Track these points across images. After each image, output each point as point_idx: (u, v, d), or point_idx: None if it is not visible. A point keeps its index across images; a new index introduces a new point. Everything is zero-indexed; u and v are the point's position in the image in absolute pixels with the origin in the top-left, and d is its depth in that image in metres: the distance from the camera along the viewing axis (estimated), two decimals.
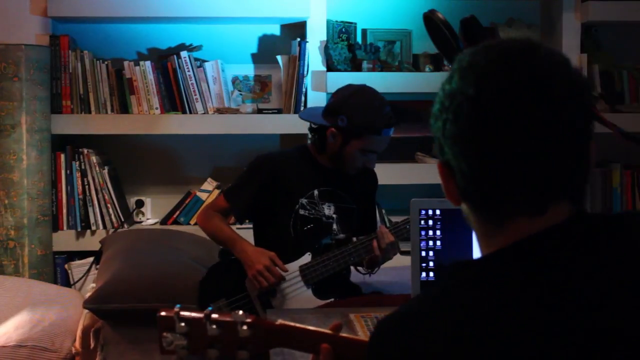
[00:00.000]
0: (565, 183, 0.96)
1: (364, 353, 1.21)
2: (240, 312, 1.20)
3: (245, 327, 1.19)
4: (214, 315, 1.19)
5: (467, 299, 0.93)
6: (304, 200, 2.79)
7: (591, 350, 0.88)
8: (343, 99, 2.74)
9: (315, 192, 2.81)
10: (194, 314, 1.20)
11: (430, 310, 0.95)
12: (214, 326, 1.19)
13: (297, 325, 1.24)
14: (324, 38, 3.76)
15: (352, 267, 2.90)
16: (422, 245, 2.29)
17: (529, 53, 0.96)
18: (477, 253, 2.23)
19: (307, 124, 2.92)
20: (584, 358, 0.88)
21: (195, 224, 3.67)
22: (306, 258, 2.74)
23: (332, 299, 2.71)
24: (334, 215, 2.82)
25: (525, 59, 0.95)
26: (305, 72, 3.73)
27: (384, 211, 3.76)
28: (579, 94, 0.96)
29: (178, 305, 1.21)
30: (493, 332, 0.89)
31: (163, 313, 1.21)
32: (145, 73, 3.71)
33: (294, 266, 2.72)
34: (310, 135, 2.89)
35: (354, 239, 2.72)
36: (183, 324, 1.19)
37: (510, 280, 0.92)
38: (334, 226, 2.82)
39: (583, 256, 0.93)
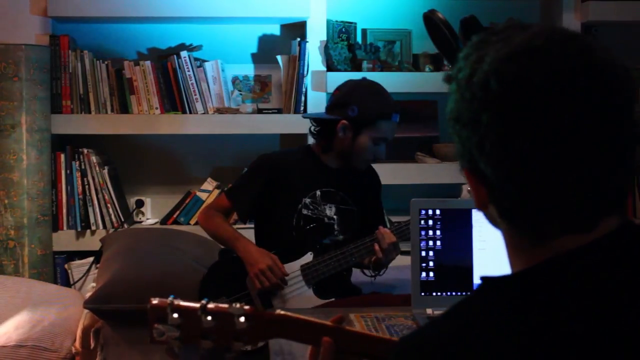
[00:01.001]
0: (616, 195, 0.88)
1: (366, 346, 1.20)
2: (237, 304, 1.17)
3: (242, 320, 1.16)
4: (210, 307, 1.16)
5: (497, 323, 0.85)
6: (307, 200, 2.79)
7: None
8: (349, 90, 2.78)
9: (318, 192, 2.81)
10: (188, 305, 1.17)
11: (456, 334, 0.86)
12: (209, 318, 1.16)
13: (298, 315, 1.21)
14: (324, 38, 3.76)
15: (357, 269, 2.90)
16: (422, 245, 2.29)
17: (583, 47, 0.86)
18: (477, 253, 2.24)
19: (307, 123, 2.91)
20: None
21: (196, 223, 3.68)
22: (307, 258, 2.74)
23: (333, 299, 2.72)
24: (335, 216, 2.83)
25: (581, 69, 0.85)
26: (305, 72, 3.73)
27: (383, 211, 3.75)
28: (631, 100, 0.87)
29: (172, 296, 1.18)
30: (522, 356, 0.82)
31: (155, 303, 1.18)
32: (145, 73, 3.71)
33: (295, 265, 2.73)
34: (314, 136, 2.88)
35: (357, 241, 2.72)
36: (176, 315, 1.16)
37: (545, 302, 0.84)
38: (335, 227, 2.83)
39: (629, 274, 0.85)
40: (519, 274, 0.89)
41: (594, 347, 0.81)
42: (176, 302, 1.17)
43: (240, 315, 1.16)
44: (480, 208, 0.93)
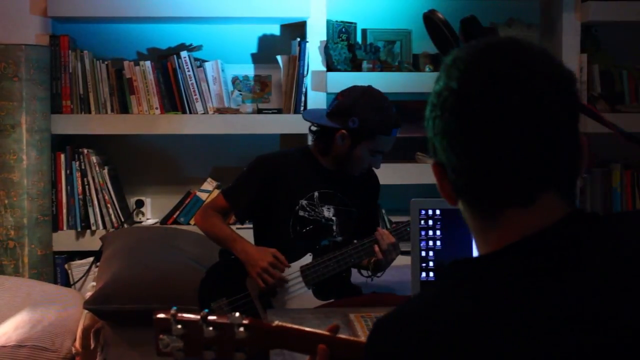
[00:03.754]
0: (549, 173, 0.96)
1: (360, 354, 1.21)
2: (237, 313, 1.20)
3: (242, 329, 1.19)
4: (211, 317, 1.19)
5: (463, 299, 0.94)
6: (303, 202, 2.78)
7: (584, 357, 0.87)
8: (352, 100, 2.73)
9: (316, 193, 2.81)
10: (190, 316, 1.20)
11: (427, 310, 0.96)
12: (211, 328, 1.19)
13: (294, 326, 1.24)
14: (324, 38, 3.76)
15: (354, 269, 2.90)
16: (422, 245, 2.29)
17: (510, 47, 0.99)
18: (477, 253, 2.23)
19: (307, 124, 2.90)
20: None
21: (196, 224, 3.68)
22: (307, 259, 2.73)
23: (332, 300, 2.71)
24: (334, 218, 2.82)
25: (506, 52, 0.98)
26: (305, 72, 3.73)
27: (383, 211, 3.76)
28: (560, 86, 0.97)
29: (174, 307, 1.21)
30: (486, 334, 0.90)
31: (160, 315, 1.21)
32: (145, 73, 3.71)
33: (294, 267, 2.72)
34: (313, 137, 2.87)
35: (355, 241, 2.72)
36: (179, 326, 1.19)
37: (505, 281, 0.94)
38: (334, 228, 2.82)
39: (579, 259, 0.94)
40: (481, 257, 1.00)
41: (540, 322, 0.89)
42: (179, 313, 1.20)
43: (240, 326, 1.19)
44: (448, 201, 1.05)
